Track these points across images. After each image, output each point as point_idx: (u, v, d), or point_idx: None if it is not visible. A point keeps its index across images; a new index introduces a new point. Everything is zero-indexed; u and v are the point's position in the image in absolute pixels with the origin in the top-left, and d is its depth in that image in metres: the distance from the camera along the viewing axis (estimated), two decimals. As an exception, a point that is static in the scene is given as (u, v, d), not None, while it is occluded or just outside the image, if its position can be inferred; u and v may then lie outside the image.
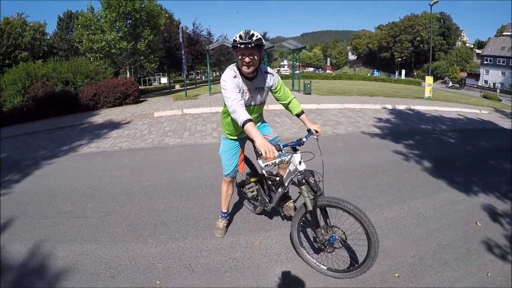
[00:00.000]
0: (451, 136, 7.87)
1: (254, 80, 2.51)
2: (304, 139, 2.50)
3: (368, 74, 69.10)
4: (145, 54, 18.64)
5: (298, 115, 2.78)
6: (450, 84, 56.86)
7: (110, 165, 5.69)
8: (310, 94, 15.52)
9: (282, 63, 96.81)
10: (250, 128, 2.14)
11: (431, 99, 15.77)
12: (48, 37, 41.38)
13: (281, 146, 2.30)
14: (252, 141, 3.03)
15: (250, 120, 2.18)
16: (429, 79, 16.38)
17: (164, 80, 37.82)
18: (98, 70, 14.51)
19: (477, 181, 4.69)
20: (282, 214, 3.03)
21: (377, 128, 8.40)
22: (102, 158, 6.21)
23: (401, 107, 12.36)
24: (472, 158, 5.93)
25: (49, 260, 2.91)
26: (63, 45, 40.86)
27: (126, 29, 17.12)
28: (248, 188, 3.14)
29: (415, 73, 72.53)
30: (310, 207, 2.37)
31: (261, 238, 3.15)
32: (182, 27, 16.04)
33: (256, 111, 2.72)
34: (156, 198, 4.16)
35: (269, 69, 2.62)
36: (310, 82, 16.40)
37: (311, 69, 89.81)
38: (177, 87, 27.14)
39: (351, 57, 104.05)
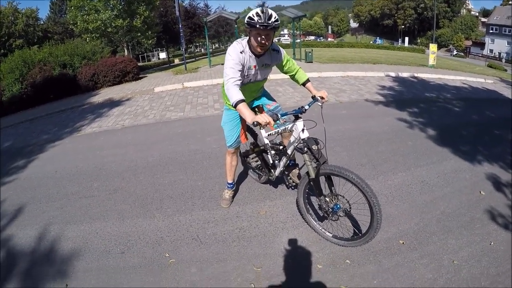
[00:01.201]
0: (456, 104, 7.72)
1: (262, 57, 2.48)
2: (307, 107, 2.46)
3: (371, 42, 67.40)
4: (142, 31, 18.21)
5: (304, 84, 2.75)
6: (455, 52, 55.30)
7: (113, 143, 5.70)
8: (312, 62, 15.21)
9: (282, 32, 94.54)
10: (242, 108, 2.17)
11: (435, 67, 15.40)
12: (42, 22, 40.42)
13: (279, 115, 2.28)
14: (254, 110, 3.01)
15: (242, 100, 2.20)
16: (433, 47, 15.93)
17: (163, 55, 37.18)
18: (95, 50, 14.26)
19: (482, 150, 4.63)
20: (287, 182, 3.04)
21: (381, 95, 8.26)
22: (105, 137, 6.21)
23: (405, 74, 12.11)
24: (477, 127, 5.83)
25: (60, 241, 2.97)
26: (58, 29, 39.99)
27: (120, 7, 16.60)
28: (252, 158, 3.15)
29: (418, 41, 70.46)
30: (312, 175, 2.36)
31: (267, 207, 3.19)
32: (178, 1, 15.54)
33: (259, 85, 2.73)
34: (161, 173, 4.20)
35: (277, 47, 2.58)
36: (312, 50, 16.03)
37: (312, 37, 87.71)
38: (177, 61, 26.73)
39: (353, 24, 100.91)
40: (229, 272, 2.39)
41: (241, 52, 2.36)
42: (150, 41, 20.27)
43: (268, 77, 2.78)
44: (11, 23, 32.87)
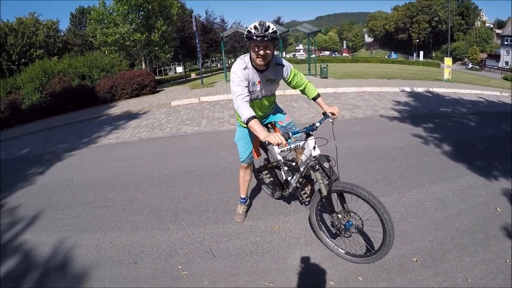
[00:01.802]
0: (471, 119, 7.60)
1: (265, 72, 2.49)
2: (318, 124, 2.46)
3: (386, 57, 67.16)
4: (159, 45, 18.69)
5: (314, 99, 2.74)
6: (470, 65, 54.56)
7: (130, 155, 5.82)
8: (327, 78, 15.26)
9: (297, 48, 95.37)
10: (254, 125, 2.17)
11: (451, 81, 15.24)
12: (62, 34, 42.13)
13: (290, 134, 2.28)
14: (267, 127, 3.04)
15: (253, 117, 2.20)
16: (448, 61, 15.81)
17: (179, 69, 37.99)
18: (113, 63, 14.73)
19: (497, 165, 4.53)
20: (301, 198, 3.04)
21: (396, 111, 8.20)
22: (121, 149, 6.36)
23: (420, 89, 12.01)
24: (493, 142, 5.71)
25: (74, 249, 3.04)
26: (77, 41, 41.53)
27: (139, 21, 17.15)
28: (266, 174, 3.17)
29: (433, 55, 70.04)
30: (324, 193, 2.36)
31: (281, 222, 3.18)
32: (195, 16, 16.01)
33: (268, 101, 2.72)
34: (177, 186, 4.25)
35: (282, 61, 2.59)
36: (327, 66, 16.10)
37: (327, 52, 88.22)
38: (193, 75, 27.23)
39: (368, 39, 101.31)
40: (241, 287, 2.39)
41: (244, 68, 2.39)
42: (167, 55, 20.74)
43: (276, 93, 2.80)
44: (32, 34, 34.33)
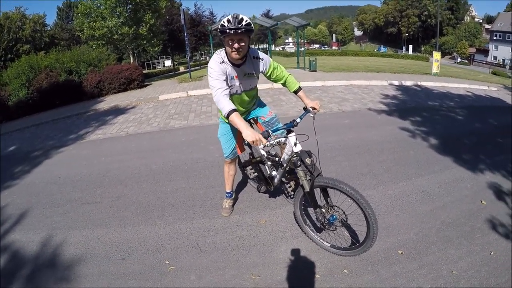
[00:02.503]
0: (459, 113, 7.72)
1: (242, 66, 2.45)
2: (298, 120, 2.44)
3: (375, 50, 67.54)
4: (148, 38, 18.47)
5: (295, 92, 2.70)
6: (459, 59, 55.09)
7: (117, 151, 5.77)
8: (316, 71, 15.26)
9: (286, 41, 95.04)
10: (235, 119, 2.12)
11: (439, 75, 15.41)
12: (49, 28, 41.18)
13: (271, 132, 2.26)
14: (250, 122, 3.03)
15: (234, 110, 2.15)
16: (436, 55, 15.95)
17: (168, 62, 37.57)
18: (101, 57, 14.50)
19: (484, 159, 4.62)
20: (286, 192, 3.06)
21: (384, 104, 8.28)
22: (109, 144, 6.29)
23: (408, 83, 12.12)
24: (480, 135, 5.82)
25: (62, 247, 3.03)
26: (65, 35, 40.66)
27: (127, 14, 16.89)
28: (251, 169, 3.17)
29: (422, 49, 70.49)
30: (307, 188, 2.36)
31: (267, 216, 3.21)
32: (184, 9, 15.75)
33: (248, 96, 2.67)
34: (164, 181, 4.24)
35: (259, 54, 2.53)
36: (316, 59, 16.09)
37: (317, 45, 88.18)
38: (182, 69, 26.93)
39: (357, 32, 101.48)
40: (228, 281, 2.41)
41: (221, 63, 2.36)
42: (155, 49, 20.51)
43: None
44: (19, 29, 33.48)
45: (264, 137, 2.09)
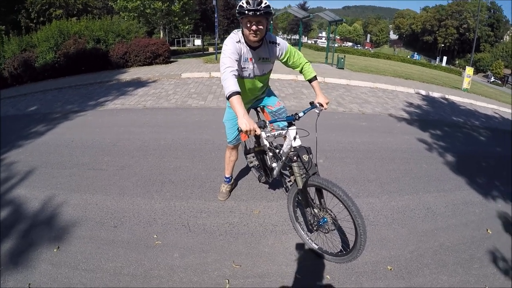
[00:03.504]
0: (482, 133, 7.36)
1: (258, 50, 2.40)
2: (301, 114, 2.35)
3: (408, 56, 65.31)
4: (180, 16, 18.47)
5: (310, 81, 2.62)
6: (492, 79, 52.20)
7: (131, 122, 5.85)
8: (343, 69, 14.92)
9: (320, 35, 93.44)
10: (235, 102, 2.01)
11: (469, 91, 14.73)
12: (83, -5, 41.80)
13: (267, 123, 2.21)
14: (257, 110, 2.99)
15: (237, 93, 2.05)
16: (469, 70, 15.21)
17: (198, 42, 37.60)
18: (130, 29, 14.61)
19: (498, 185, 4.36)
20: (285, 185, 3.02)
21: (406, 112, 8.01)
22: (125, 115, 6.39)
23: (436, 94, 11.68)
24: (499, 160, 5.51)
25: (62, 207, 3.14)
26: (98, 4, 41.14)
27: (161, -11, 16.94)
28: (253, 157, 3.15)
29: (456, 62, 67.78)
30: (300, 186, 2.29)
31: (262, 207, 3.19)
32: (217, -10, 15.62)
33: (260, 82, 2.63)
34: (169, 157, 4.29)
35: (277, 39, 2.48)
36: (344, 56, 15.73)
37: (350, 43, 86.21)
38: (211, 49, 26.87)
39: (393, 36, 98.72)
40: (208, 264, 2.42)
41: (237, 42, 2.31)
42: (186, 27, 20.51)
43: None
44: (54, -7, 34.01)
45: (260, 127, 2.03)
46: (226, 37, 2.39)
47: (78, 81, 10.26)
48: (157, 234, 2.72)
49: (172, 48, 19.40)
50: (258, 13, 2.11)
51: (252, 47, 2.38)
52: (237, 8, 2.19)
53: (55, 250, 2.54)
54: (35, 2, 31.77)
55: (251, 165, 3.25)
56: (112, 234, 2.73)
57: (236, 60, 2.25)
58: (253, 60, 2.43)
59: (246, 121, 1.94)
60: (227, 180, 3.30)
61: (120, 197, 3.29)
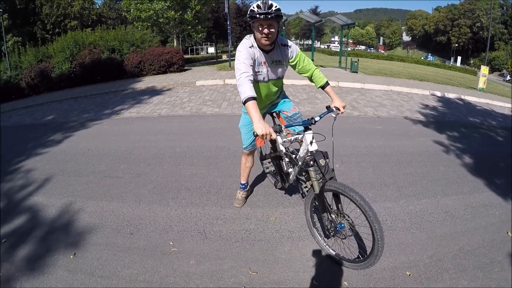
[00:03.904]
0: (500, 133, 7.14)
1: (270, 53, 2.42)
2: (317, 118, 2.32)
3: (422, 58, 64.35)
4: (193, 24, 18.77)
5: (322, 87, 2.61)
6: (508, 77, 50.66)
7: (147, 130, 5.96)
8: (357, 72, 14.83)
9: (333, 39, 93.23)
10: (250, 107, 2.02)
11: (485, 91, 14.37)
12: (97, 7, 43.10)
13: (283, 127, 2.20)
14: (272, 115, 2.99)
15: (253, 98, 2.06)
16: (484, 69, 14.85)
17: (211, 50, 38.06)
18: (144, 39, 14.93)
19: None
20: (301, 191, 2.99)
21: (422, 114, 7.86)
22: (140, 123, 6.51)
23: (451, 95, 11.44)
24: (518, 160, 5.34)
25: (78, 214, 3.21)
26: (112, 14, 42.35)
27: (173, -1, 17.26)
28: (269, 162, 3.14)
29: (471, 61, 66.27)
30: (316, 191, 2.26)
31: (278, 213, 3.16)
32: (229, -2, 15.82)
33: (275, 86, 2.63)
34: (185, 164, 4.32)
35: (287, 41, 2.51)
36: (358, 60, 15.64)
37: (363, 47, 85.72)
38: (224, 57, 27.11)
39: (405, 38, 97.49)
40: (225, 271, 2.41)
41: (250, 47, 2.33)
42: (200, 35, 20.79)
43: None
44: (68, 5, 35.25)
45: (276, 131, 2.03)
46: (239, 44, 2.41)
47: (93, 91, 10.53)
48: (173, 241, 2.74)
49: (185, 56, 19.67)
50: (269, 16, 2.14)
51: (265, 50, 2.39)
52: (248, 12, 2.21)
53: (71, 257, 2.59)
54: (50, 14, 32.89)
55: (267, 171, 3.24)
56: (128, 241, 2.76)
57: (251, 65, 2.26)
58: (267, 63, 2.44)
59: (262, 126, 1.95)
60: (243, 186, 3.29)
61: (136, 204, 3.34)
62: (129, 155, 4.71)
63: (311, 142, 2.26)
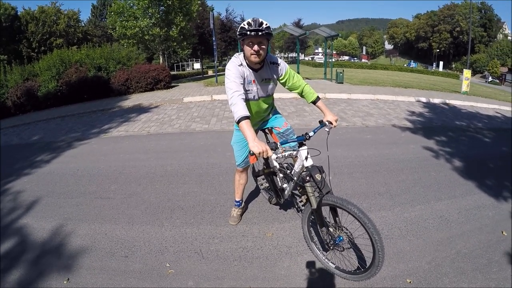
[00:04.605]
0: (487, 134, 7.35)
1: (260, 71, 2.43)
2: (311, 133, 2.33)
3: (405, 65, 65.91)
4: (178, 41, 18.82)
5: (314, 103, 2.61)
6: (490, 79, 52.48)
7: (136, 149, 5.87)
8: (342, 83, 15.09)
9: (316, 51, 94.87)
10: (244, 127, 2.03)
11: (468, 94, 14.82)
12: (83, 25, 43.15)
13: (279, 144, 2.20)
14: (265, 132, 2.98)
15: (247, 117, 2.07)
16: (467, 73, 15.33)
17: (197, 65, 38.34)
18: (130, 56, 14.92)
19: (509, 185, 4.32)
20: (297, 206, 2.97)
21: (409, 121, 8.02)
22: (129, 142, 6.42)
23: (436, 100, 11.73)
24: (506, 160, 5.48)
25: (70, 237, 3.11)
26: (97, 32, 42.40)
27: (158, 16, 17.32)
28: (263, 179, 3.12)
29: (453, 66, 68.22)
30: (314, 206, 2.26)
31: (274, 229, 3.13)
32: (213, 14, 16.02)
33: (265, 103, 2.64)
34: (177, 183, 4.26)
35: (277, 60, 2.52)
36: (343, 70, 15.91)
37: (346, 57, 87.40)
38: (210, 72, 27.34)
39: (388, 46, 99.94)
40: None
41: (239, 65, 2.34)
42: (185, 51, 20.89)
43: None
44: (53, 23, 35.21)
45: (271, 149, 2.02)
46: (224, 60, 2.42)
47: (80, 109, 10.41)
48: (170, 263, 2.67)
49: (172, 73, 19.71)
50: (260, 33, 2.14)
51: (254, 69, 2.40)
52: (238, 30, 2.23)
53: (65, 282, 2.50)
54: (36, 32, 32.69)
55: (261, 187, 3.22)
56: (123, 264, 2.68)
57: (241, 84, 2.27)
58: (256, 82, 2.45)
59: (257, 144, 1.94)
60: (238, 203, 3.25)
61: (129, 226, 3.25)
62: (120, 175, 4.62)
63: (306, 158, 2.26)
